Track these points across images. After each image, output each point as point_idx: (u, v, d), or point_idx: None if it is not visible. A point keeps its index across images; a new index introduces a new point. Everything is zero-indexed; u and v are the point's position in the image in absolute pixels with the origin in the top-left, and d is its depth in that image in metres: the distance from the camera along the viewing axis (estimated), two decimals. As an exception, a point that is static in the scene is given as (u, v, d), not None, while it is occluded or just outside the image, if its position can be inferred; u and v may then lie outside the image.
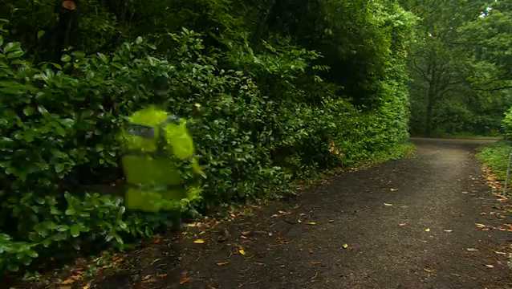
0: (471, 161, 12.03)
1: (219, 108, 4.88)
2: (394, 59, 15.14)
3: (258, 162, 5.09)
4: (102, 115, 3.33)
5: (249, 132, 5.32)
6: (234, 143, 4.94)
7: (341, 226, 4.35)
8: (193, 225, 4.17)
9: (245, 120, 5.37)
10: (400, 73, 17.33)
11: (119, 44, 4.84)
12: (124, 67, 3.63)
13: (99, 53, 3.51)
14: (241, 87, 5.41)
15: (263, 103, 6.01)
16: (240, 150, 4.94)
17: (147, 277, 2.84)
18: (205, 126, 4.52)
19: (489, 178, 8.40)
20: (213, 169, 4.63)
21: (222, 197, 4.78)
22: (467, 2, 25.19)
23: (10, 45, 2.72)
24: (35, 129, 2.66)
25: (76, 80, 3.07)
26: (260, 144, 5.67)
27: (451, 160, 12.28)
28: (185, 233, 3.88)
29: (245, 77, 5.61)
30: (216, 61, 5.18)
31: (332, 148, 8.82)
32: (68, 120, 2.91)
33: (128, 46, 3.70)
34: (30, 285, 2.64)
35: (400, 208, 5.33)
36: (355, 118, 9.88)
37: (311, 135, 7.64)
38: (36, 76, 2.89)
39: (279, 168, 5.95)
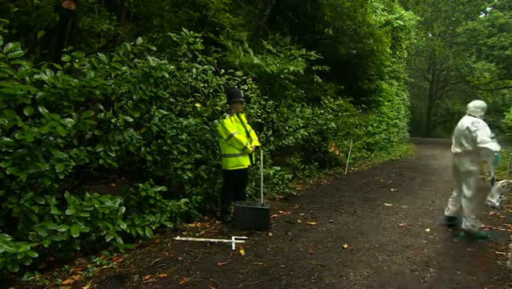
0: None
1: (219, 108, 4.89)
2: (394, 59, 15.16)
3: (258, 162, 5.08)
4: (102, 115, 3.34)
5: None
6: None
7: (341, 226, 4.35)
8: (192, 225, 4.17)
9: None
10: (400, 73, 17.36)
11: (119, 44, 4.84)
12: (124, 67, 3.63)
13: (99, 53, 3.51)
14: (241, 87, 5.41)
15: (263, 103, 6.01)
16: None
17: (147, 277, 2.84)
18: (205, 126, 4.52)
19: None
20: (214, 169, 4.64)
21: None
22: (467, 2, 25.21)
23: (10, 45, 2.72)
24: (36, 129, 2.66)
25: (76, 80, 3.07)
26: (260, 145, 5.69)
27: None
28: (185, 233, 3.88)
29: (245, 77, 5.61)
30: (216, 61, 5.19)
31: (332, 148, 8.82)
32: (68, 119, 2.91)
33: (128, 47, 3.70)
34: (30, 285, 2.64)
35: (400, 208, 5.33)
36: (355, 118, 9.88)
37: (311, 135, 7.64)
38: (36, 76, 2.89)
39: (279, 168, 5.95)
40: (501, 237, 4.01)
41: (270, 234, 3.97)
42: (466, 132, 3.96)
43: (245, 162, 4.34)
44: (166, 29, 5.95)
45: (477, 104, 4.08)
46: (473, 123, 3.91)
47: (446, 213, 4.47)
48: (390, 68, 14.58)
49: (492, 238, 3.98)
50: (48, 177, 2.81)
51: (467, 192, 4.06)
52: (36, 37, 4.18)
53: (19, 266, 2.49)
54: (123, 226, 3.22)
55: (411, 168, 9.90)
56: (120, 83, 3.54)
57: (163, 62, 3.90)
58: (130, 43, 3.77)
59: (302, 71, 6.60)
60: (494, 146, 3.70)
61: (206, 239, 3.70)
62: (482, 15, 26.36)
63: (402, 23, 14.91)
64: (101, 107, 3.39)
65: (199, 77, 4.74)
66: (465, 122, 4.03)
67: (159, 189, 3.71)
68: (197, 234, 3.88)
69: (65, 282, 2.70)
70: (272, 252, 3.45)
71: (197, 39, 4.78)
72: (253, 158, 4.52)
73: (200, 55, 4.95)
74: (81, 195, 3.10)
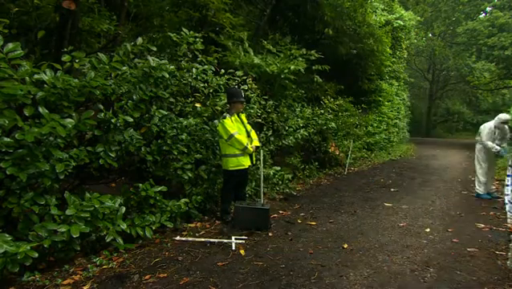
0: (471, 161, 12.01)
1: (219, 108, 4.89)
2: (394, 59, 15.15)
3: (258, 162, 5.09)
4: (102, 115, 3.34)
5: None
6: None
7: (341, 226, 4.35)
8: (192, 225, 4.17)
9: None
10: (400, 73, 17.35)
11: (119, 44, 4.85)
12: (124, 67, 3.63)
13: (99, 53, 3.51)
14: (241, 87, 5.42)
15: (263, 103, 6.01)
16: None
17: (147, 277, 2.84)
18: (205, 126, 4.52)
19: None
20: (214, 169, 4.64)
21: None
22: (467, 2, 25.21)
23: (10, 45, 2.72)
24: (36, 129, 2.66)
25: (76, 80, 3.07)
26: (260, 145, 5.69)
27: (451, 160, 12.28)
28: (185, 233, 3.88)
29: (245, 77, 5.61)
30: (216, 61, 5.18)
31: (332, 148, 8.82)
32: (69, 120, 2.91)
33: (128, 47, 3.70)
34: (30, 285, 2.64)
35: (400, 208, 5.33)
36: (355, 118, 9.88)
37: (311, 135, 7.64)
38: (36, 76, 2.89)
39: (279, 168, 5.95)
40: (501, 237, 4.01)
41: (270, 234, 3.97)
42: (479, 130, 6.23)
43: (246, 162, 4.34)
44: (166, 29, 5.95)
45: (498, 115, 6.12)
46: (485, 126, 6.11)
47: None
48: (390, 68, 14.58)
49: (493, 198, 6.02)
50: (48, 177, 2.81)
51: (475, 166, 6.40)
52: (36, 37, 4.18)
53: (19, 266, 2.49)
54: (123, 226, 3.22)
55: (411, 168, 9.90)
56: (120, 83, 3.54)
57: (163, 62, 3.90)
58: (130, 43, 3.77)
59: (302, 69, 6.60)
60: (490, 144, 5.95)
61: (206, 239, 3.70)
62: (482, 15, 26.36)
63: (402, 23, 14.90)
64: (101, 107, 3.39)
65: (199, 77, 4.74)
66: (485, 124, 6.18)
67: (159, 189, 3.71)
68: (197, 234, 3.88)
69: (65, 282, 2.70)
70: (272, 252, 3.45)
71: (197, 39, 4.78)
72: (254, 158, 4.52)
73: (200, 55, 4.94)
74: (81, 195, 3.10)
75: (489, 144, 5.92)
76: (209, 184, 4.59)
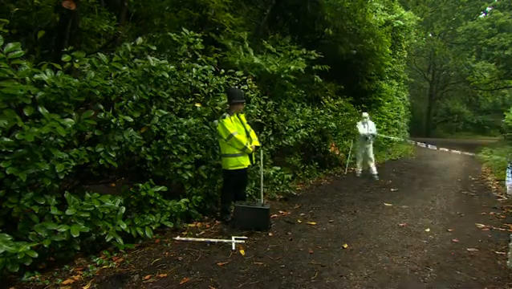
0: (471, 161, 12.03)
1: (219, 108, 4.89)
2: (394, 59, 15.15)
3: (258, 162, 5.09)
4: (102, 115, 3.33)
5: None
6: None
7: (341, 226, 4.35)
8: (192, 225, 4.17)
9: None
10: (400, 73, 17.35)
11: (119, 44, 4.84)
12: (124, 67, 3.63)
13: (99, 53, 3.51)
14: (241, 87, 5.41)
15: (263, 103, 6.01)
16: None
17: (147, 277, 2.84)
18: (205, 126, 4.52)
19: (489, 178, 8.41)
20: (214, 169, 4.64)
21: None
22: (467, 2, 25.23)
23: (10, 45, 2.72)
24: (36, 129, 2.66)
25: (76, 80, 3.07)
26: (260, 145, 5.68)
27: (451, 160, 12.28)
28: (185, 233, 3.88)
29: (245, 77, 5.61)
30: (216, 61, 5.18)
31: (332, 148, 8.82)
32: (68, 119, 2.91)
33: (128, 47, 3.70)
34: (30, 285, 2.64)
35: (400, 208, 5.33)
36: (355, 118, 9.88)
37: (311, 135, 7.64)
38: (36, 76, 2.89)
39: (279, 168, 5.95)
40: (501, 237, 4.01)
41: (270, 234, 3.97)
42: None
43: (245, 162, 4.34)
44: (166, 29, 5.95)
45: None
46: (373, 124, 8.25)
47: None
48: (390, 68, 14.58)
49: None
50: (48, 177, 2.81)
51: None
52: (36, 37, 4.18)
53: (19, 266, 2.49)
54: (123, 226, 3.22)
55: (411, 168, 9.91)
56: (120, 83, 3.54)
57: (163, 62, 3.90)
58: (130, 43, 3.77)
59: (302, 69, 6.60)
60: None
61: (206, 239, 3.70)
62: (482, 15, 26.39)
63: (402, 23, 14.91)
64: (101, 107, 3.39)
65: (199, 77, 4.74)
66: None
67: (159, 189, 3.71)
68: (197, 234, 3.88)
69: (65, 282, 2.70)
70: (272, 252, 3.45)
71: (197, 39, 4.77)
72: (253, 158, 4.52)
73: (200, 55, 4.94)
74: (81, 195, 3.10)
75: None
76: (209, 184, 4.59)
